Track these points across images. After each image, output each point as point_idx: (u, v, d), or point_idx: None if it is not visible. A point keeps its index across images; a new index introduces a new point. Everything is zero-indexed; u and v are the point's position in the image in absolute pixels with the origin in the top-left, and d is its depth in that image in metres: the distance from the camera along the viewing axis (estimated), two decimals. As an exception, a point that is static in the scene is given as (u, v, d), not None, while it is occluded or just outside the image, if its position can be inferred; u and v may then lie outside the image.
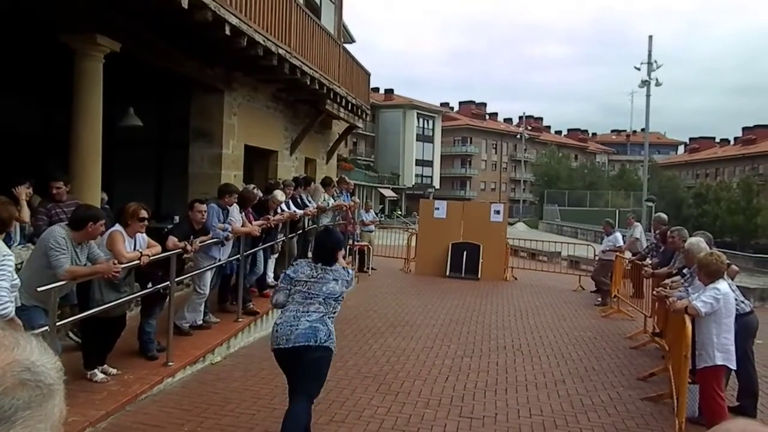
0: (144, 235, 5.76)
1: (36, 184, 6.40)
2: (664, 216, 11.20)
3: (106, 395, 5.18)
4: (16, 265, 4.92)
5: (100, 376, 5.46)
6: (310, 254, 10.31)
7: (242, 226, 7.74)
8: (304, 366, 4.20)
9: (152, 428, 4.85)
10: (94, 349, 5.56)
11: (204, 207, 6.85)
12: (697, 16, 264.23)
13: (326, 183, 11.79)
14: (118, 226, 5.56)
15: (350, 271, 4.53)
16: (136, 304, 6.52)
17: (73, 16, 6.71)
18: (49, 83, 9.94)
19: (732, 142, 78.07)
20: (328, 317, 4.29)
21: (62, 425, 0.84)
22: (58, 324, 4.60)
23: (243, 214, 7.89)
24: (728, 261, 5.52)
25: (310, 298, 4.27)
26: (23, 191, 6.05)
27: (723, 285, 5.12)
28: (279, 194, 8.92)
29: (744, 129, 74.17)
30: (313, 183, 11.40)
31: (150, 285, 5.85)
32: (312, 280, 4.32)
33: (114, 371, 5.62)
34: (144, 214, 5.63)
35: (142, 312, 6.20)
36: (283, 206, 9.35)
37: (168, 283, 6.03)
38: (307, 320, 4.19)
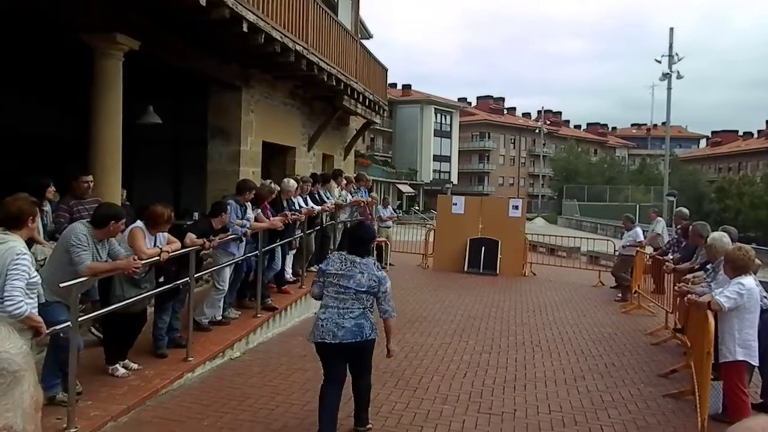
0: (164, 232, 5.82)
1: (54, 182, 6.51)
2: (685, 210, 11.05)
3: (127, 390, 5.24)
4: (39, 261, 5.01)
5: (121, 371, 5.53)
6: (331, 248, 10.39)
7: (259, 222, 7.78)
8: (353, 358, 4.65)
9: (172, 423, 4.90)
10: (116, 345, 5.63)
11: (227, 215, 6.94)
12: (717, 9, 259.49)
13: (336, 175, 11.75)
14: (139, 223, 5.62)
15: (380, 266, 4.80)
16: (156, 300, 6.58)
17: (92, 15, 6.77)
18: (68, 83, 10.05)
19: (755, 136, 76.73)
20: (369, 311, 4.60)
21: (38, 411, 0.80)
22: (79, 320, 4.66)
23: (259, 210, 7.93)
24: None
25: (344, 293, 4.53)
26: (52, 192, 6.20)
27: (748, 280, 5.04)
28: (291, 183, 8.96)
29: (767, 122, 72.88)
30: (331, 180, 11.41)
31: (162, 280, 5.90)
32: (341, 272, 4.56)
33: (135, 366, 5.69)
34: (172, 217, 5.75)
35: (155, 308, 6.25)
36: (301, 202, 9.38)
37: (187, 279, 6.08)
38: (351, 317, 4.49)
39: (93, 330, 6.32)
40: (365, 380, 4.82)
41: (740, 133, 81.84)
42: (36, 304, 4.00)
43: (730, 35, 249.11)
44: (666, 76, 32.00)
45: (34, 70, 9.90)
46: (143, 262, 5.24)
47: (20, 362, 0.79)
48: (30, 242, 4.69)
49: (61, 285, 4.42)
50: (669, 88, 32.08)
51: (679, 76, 31.95)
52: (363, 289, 4.54)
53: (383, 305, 4.66)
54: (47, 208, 6.24)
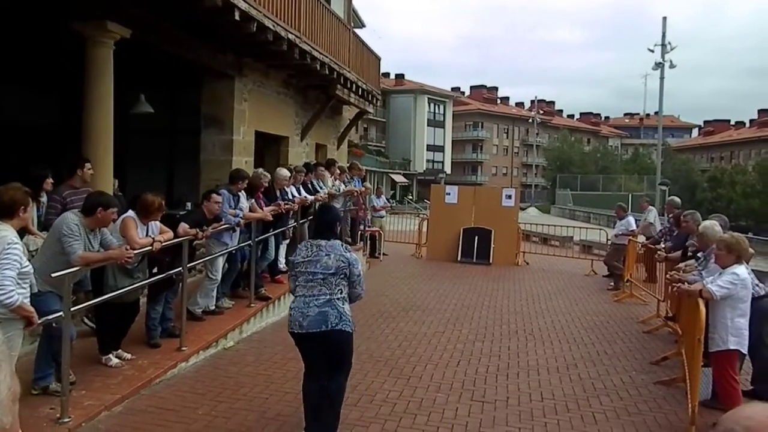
0: (156, 221, 5.80)
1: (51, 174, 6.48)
2: (677, 200, 11.09)
3: (121, 380, 5.24)
4: (31, 252, 4.98)
5: (114, 360, 5.53)
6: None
7: (253, 212, 7.77)
8: (323, 350, 4.36)
9: (167, 412, 4.91)
10: (109, 335, 5.62)
11: (220, 198, 6.89)
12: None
13: (329, 164, 11.73)
14: (131, 212, 5.60)
15: (348, 248, 4.54)
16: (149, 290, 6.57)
17: (84, 2, 6.70)
18: (61, 73, 9.96)
19: (747, 125, 77.05)
20: (336, 299, 4.30)
21: (15, 402, 0.77)
22: (72, 310, 4.65)
23: (253, 200, 7.91)
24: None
25: (312, 280, 4.32)
26: (49, 184, 6.18)
27: (742, 269, 5.06)
28: (284, 172, 8.95)
29: (760, 111, 73.07)
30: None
31: (156, 270, 5.88)
32: (307, 259, 4.38)
33: (128, 356, 5.69)
34: (163, 205, 5.73)
35: (149, 298, 6.24)
36: (294, 192, 9.36)
37: (180, 269, 6.07)
38: (315, 305, 4.27)
39: (86, 320, 6.31)
40: (338, 379, 4.44)
41: (732, 123, 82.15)
42: (28, 294, 3.99)
43: (727, 24, 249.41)
44: (658, 66, 32.06)
45: (29, 61, 9.80)
46: (135, 251, 5.23)
47: None
48: (23, 232, 4.67)
49: (54, 275, 4.40)
50: (661, 78, 32.16)
51: (671, 66, 32.03)
52: (331, 271, 4.30)
53: (356, 289, 4.43)
54: (44, 199, 6.20)
